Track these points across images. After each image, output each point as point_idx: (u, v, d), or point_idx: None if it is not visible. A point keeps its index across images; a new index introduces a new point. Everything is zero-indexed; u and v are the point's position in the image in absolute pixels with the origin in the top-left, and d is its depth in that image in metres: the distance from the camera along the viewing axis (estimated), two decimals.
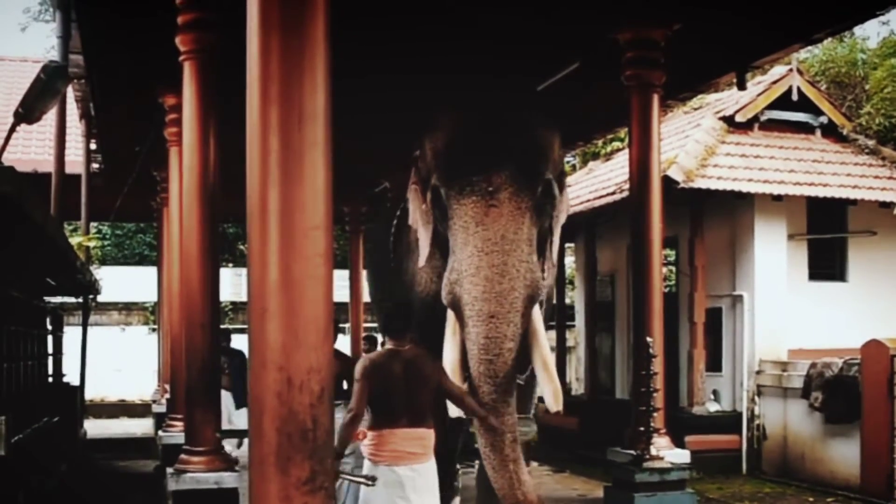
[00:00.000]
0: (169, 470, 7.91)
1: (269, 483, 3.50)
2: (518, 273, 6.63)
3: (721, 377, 13.26)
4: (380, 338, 13.37)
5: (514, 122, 7.21)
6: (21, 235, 6.18)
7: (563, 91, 10.66)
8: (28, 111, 6.10)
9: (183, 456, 7.81)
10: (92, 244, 16.73)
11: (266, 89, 3.56)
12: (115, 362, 21.01)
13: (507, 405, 6.54)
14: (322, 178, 3.59)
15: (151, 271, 19.28)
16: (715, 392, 13.21)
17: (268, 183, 3.54)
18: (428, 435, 6.12)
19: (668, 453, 8.80)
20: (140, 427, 18.20)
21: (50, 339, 12.34)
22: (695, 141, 13.33)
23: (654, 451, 8.61)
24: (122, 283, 21.63)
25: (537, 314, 6.92)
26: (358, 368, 6.17)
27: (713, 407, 13.03)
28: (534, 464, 12.68)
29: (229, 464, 7.79)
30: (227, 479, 7.61)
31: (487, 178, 6.71)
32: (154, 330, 20.41)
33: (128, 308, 23.76)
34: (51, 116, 12.14)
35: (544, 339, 7.01)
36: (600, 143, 19.37)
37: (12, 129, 6.09)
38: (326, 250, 3.61)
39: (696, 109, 15.53)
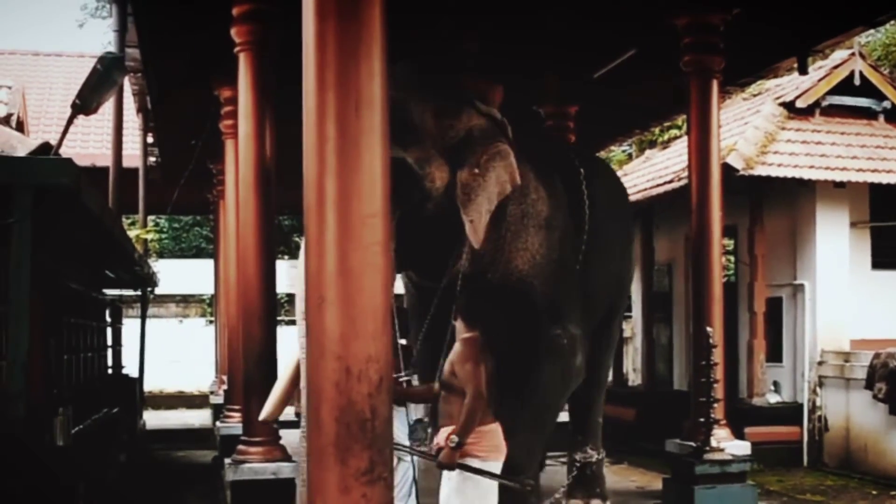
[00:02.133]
0: (227, 460, 7.97)
1: (327, 473, 3.48)
2: None
3: (782, 368, 13.05)
4: None
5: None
6: (80, 228, 6.23)
7: (621, 78, 10.55)
8: (85, 102, 6.14)
9: (241, 447, 7.87)
10: (150, 237, 16.92)
11: (322, 76, 3.53)
12: (173, 354, 21.23)
13: None
14: (379, 164, 3.55)
15: (208, 264, 19.41)
16: (775, 383, 12.99)
17: (325, 170, 3.51)
18: None
19: (728, 445, 8.68)
20: (198, 418, 18.37)
21: (109, 331, 12.45)
22: (754, 127, 13.10)
23: (714, 443, 8.49)
24: (180, 275, 21.79)
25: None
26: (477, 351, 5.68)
27: (774, 398, 12.82)
28: None
29: (287, 454, 7.83)
30: (285, 470, 7.65)
31: None
32: (211, 322, 20.58)
33: (185, 300, 23.98)
34: (108, 111, 12.27)
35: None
36: (657, 130, 19.15)
37: (70, 121, 6.14)
38: (384, 238, 3.57)
39: (755, 95, 15.25)
